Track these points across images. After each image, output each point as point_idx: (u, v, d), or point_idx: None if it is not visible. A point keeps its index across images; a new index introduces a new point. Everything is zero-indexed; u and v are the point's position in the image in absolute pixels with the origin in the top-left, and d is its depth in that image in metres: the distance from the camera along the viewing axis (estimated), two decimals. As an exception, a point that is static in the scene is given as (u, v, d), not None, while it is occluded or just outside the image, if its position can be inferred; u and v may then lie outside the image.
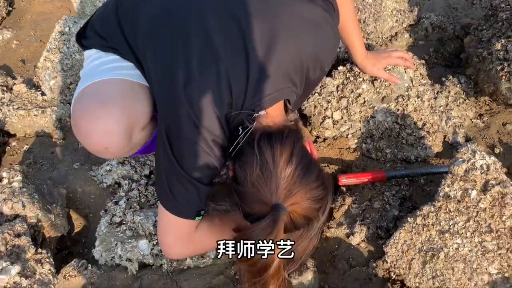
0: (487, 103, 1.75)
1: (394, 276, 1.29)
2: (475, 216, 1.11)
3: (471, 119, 1.70)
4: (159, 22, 1.10)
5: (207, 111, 1.02)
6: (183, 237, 1.16)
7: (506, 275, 1.09)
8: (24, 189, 1.37)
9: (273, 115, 1.11)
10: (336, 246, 1.40)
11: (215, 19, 1.05)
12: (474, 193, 1.10)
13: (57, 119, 1.82)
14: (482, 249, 1.11)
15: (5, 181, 1.39)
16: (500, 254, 1.10)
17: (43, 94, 1.90)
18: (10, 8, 2.60)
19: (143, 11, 1.13)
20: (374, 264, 1.32)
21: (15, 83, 2.00)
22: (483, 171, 1.11)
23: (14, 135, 1.85)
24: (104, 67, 1.18)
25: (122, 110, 1.07)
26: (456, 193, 1.13)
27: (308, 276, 1.25)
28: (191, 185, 1.07)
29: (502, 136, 1.64)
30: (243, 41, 1.03)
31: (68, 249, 1.55)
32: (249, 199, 0.98)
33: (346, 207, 1.46)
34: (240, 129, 1.03)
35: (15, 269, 1.18)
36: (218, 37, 1.03)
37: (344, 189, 1.53)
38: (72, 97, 1.83)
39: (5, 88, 1.97)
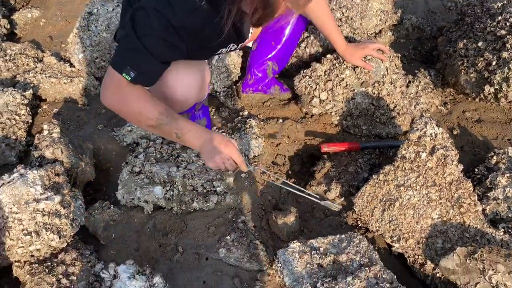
0: (451, 93, 2.06)
1: (360, 224, 1.60)
2: (424, 173, 1.42)
3: (436, 106, 2.01)
4: None
5: None
6: (112, 87, 1.31)
7: (444, 219, 1.40)
8: (62, 139, 1.66)
9: None
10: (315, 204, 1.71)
11: None
12: (424, 155, 1.41)
13: (83, 88, 2.11)
14: (428, 199, 1.41)
15: (45, 132, 1.68)
16: (441, 203, 1.41)
17: (71, 65, 2.19)
18: (37, -11, 2.87)
19: None
20: (345, 214, 1.63)
21: (44, 56, 2.29)
22: (432, 138, 1.41)
23: (45, 100, 2.13)
24: None
25: (198, 70, 1.54)
26: (411, 155, 1.43)
27: (291, 218, 1.56)
28: (139, 47, 1.23)
29: (461, 121, 1.95)
30: None
31: (91, 196, 1.85)
32: None
33: (326, 170, 1.77)
34: None
35: (57, 198, 1.47)
36: None
37: (325, 156, 1.83)
38: (97, 70, 2.14)
39: (36, 59, 2.26)
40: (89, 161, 1.75)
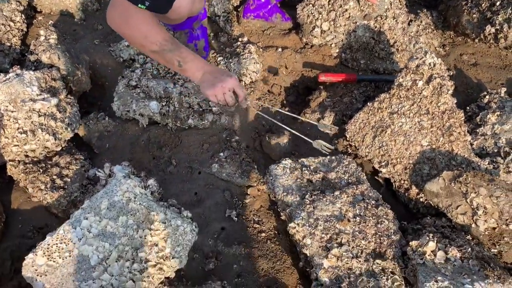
0: (451, 36, 2.06)
1: (350, 151, 1.64)
2: (418, 102, 1.45)
3: (435, 47, 2.01)
4: None
5: None
6: (120, 9, 1.26)
7: (433, 147, 1.45)
8: (59, 46, 1.63)
9: None
10: (309, 128, 1.74)
11: None
12: (420, 83, 1.44)
13: (80, 2, 2.06)
14: (419, 127, 1.45)
15: (42, 38, 1.65)
16: (432, 131, 1.45)
17: (69, -22, 2.11)
18: None
19: None
20: (336, 141, 1.67)
21: (39, -34, 2.20)
22: (430, 67, 1.43)
23: (40, 12, 2.07)
24: None
25: None
26: (407, 83, 1.46)
27: (284, 139, 1.59)
28: None
29: (457, 63, 1.97)
30: None
31: (85, 109, 1.84)
32: None
33: (321, 99, 1.79)
34: None
35: (54, 101, 1.47)
36: None
37: (321, 87, 1.85)
38: (95, -16, 2.06)
39: (31, -31, 2.17)
40: (85, 71, 1.73)
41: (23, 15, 1.90)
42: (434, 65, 1.43)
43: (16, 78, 1.43)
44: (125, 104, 1.65)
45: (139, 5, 1.23)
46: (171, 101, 1.65)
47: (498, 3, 1.72)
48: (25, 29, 1.92)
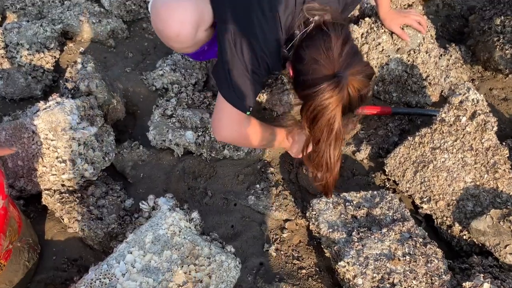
0: (479, 71, 2.07)
1: (388, 185, 1.62)
2: (462, 137, 1.44)
3: (465, 81, 2.02)
4: None
5: (274, 17, 1.27)
6: (234, 123, 1.39)
7: (477, 183, 1.43)
8: (96, 74, 1.63)
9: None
10: (343, 161, 1.72)
11: None
12: (464, 119, 1.43)
13: (111, 30, 2.07)
14: (463, 163, 1.44)
15: (79, 65, 1.65)
16: (475, 167, 1.43)
17: (100, 6, 2.13)
18: None
19: None
20: (373, 175, 1.65)
21: (70, -6, 2.22)
22: (473, 103, 1.43)
23: (71, 38, 2.08)
24: None
25: (195, 7, 1.32)
26: (450, 119, 1.45)
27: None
28: (248, 81, 1.31)
29: (488, 98, 1.97)
30: None
31: (115, 137, 1.82)
32: (311, 72, 1.18)
33: (356, 131, 1.78)
34: (297, 32, 1.28)
35: (94, 129, 1.45)
36: None
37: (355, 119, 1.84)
38: (126, 13, 2.10)
39: (63, -3, 2.20)
40: (120, 100, 1.72)
41: (56, 42, 1.90)
42: (478, 101, 1.43)
43: (57, 106, 1.42)
44: (161, 134, 1.64)
45: (247, 113, 1.36)
46: (207, 131, 1.64)
47: (532, 40, 1.74)
48: (57, 56, 1.92)
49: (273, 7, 1.27)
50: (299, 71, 1.26)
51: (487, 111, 1.43)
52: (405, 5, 2.23)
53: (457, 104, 1.44)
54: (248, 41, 1.27)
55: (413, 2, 2.29)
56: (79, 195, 1.46)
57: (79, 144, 1.42)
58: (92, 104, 1.55)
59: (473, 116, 1.42)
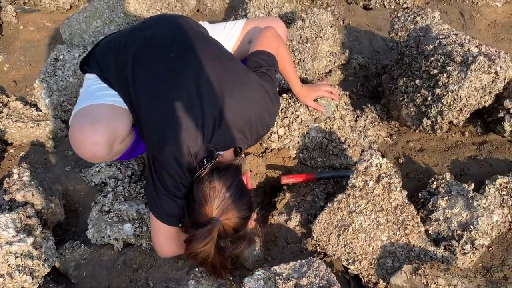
0: (396, 126, 2.27)
1: (319, 249, 1.73)
2: (372, 200, 1.58)
3: (383, 138, 2.21)
4: (144, 68, 1.54)
5: (186, 151, 1.46)
6: (172, 239, 1.57)
7: (392, 240, 1.56)
8: (32, 182, 1.71)
9: (225, 155, 1.62)
10: (278, 230, 1.83)
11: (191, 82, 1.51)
12: (371, 183, 1.58)
13: (50, 131, 2.18)
14: (377, 223, 1.57)
15: (15, 176, 1.73)
16: (388, 226, 1.57)
17: (37, 109, 2.25)
18: (0, 35, 2.93)
19: (133, 53, 1.57)
20: (305, 241, 1.76)
21: (9, 100, 2.34)
22: (377, 167, 1.58)
23: (11, 144, 2.17)
24: (97, 93, 1.60)
25: (106, 128, 1.47)
26: (360, 184, 1.59)
27: (255, 247, 1.67)
28: (173, 201, 1.49)
29: (405, 151, 2.15)
30: (218, 111, 1.50)
31: (60, 236, 1.89)
32: (196, 211, 1.42)
33: (286, 200, 1.90)
34: (205, 161, 1.47)
35: (30, 240, 1.52)
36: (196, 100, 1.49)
37: (285, 187, 1.97)
38: (63, 113, 2.21)
39: (1, 104, 2.31)
40: (59, 202, 1.80)
41: (-5, 152, 1.99)
42: (381, 165, 1.59)
43: (-8, 223, 1.49)
44: (99, 231, 1.71)
45: (180, 225, 1.54)
46: (144, 222, 1.73)
47: (429, 98, 1.94)
48: (-3, 164, 2.00)
49: (184, 141, 1.46)
50: (189, 202, 1.47)
51: (391, 173, 1.59)
52: (323, 73, 2.45)
53: (363, 170, 1.59)
54: (165, 169, 1.47)
55: (331, 69, 2.52)
56: (21, 306, 1.50)
57: (16, 257, 1.48)
58: (29, 213, 1.62)
59: (378, 179, 1.58)
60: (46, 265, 1.56)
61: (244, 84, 1.58)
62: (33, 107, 2.28)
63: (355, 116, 2.14)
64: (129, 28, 1.77)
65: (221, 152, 1.57)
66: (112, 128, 1.48)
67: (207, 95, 1.50)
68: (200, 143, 1.49)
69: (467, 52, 1.91)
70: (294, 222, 1.81)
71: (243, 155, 1.90)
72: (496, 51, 1.92)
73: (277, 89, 1.73)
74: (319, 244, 1.72)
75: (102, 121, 1.48)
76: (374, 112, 2.26)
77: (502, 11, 3.11)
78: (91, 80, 1.68)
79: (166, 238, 1.57)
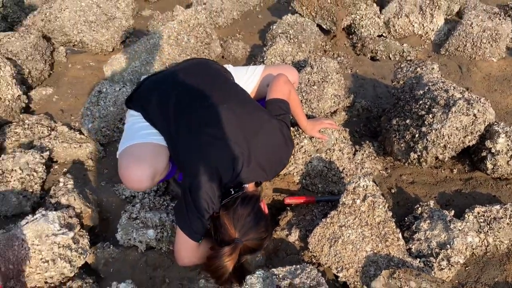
0: (391, 161, 2.55)
1: (314, 260, 1.98)
2: (359, 216, 1.85)
3: (379, 170, 2.48)
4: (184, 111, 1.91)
5: (219, 182, 1.78)
6: (193, 252, 1.84)
7: (375, 251, 1.81)
8: (74, 190, 2.05)
9: (249, 186, 1.93)
10: (279, 243, 2.09)
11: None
12: (358, 201, 1.85)
13: (89, 152, 2.54)
14: (363, 236, 1.83)
15: (61, 184, 2.08)
16: (372, 239, 1.82)
17: (80, 133, 2.63)
18: (51, 72, 3.39)
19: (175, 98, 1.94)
20: (302, 253, 2.02)
21: (56, 126, 2.74)
22: (364, 188, 1.86)
23: (57, 161, 2.54)
24: (141, 132, 1.96)
25: (149, 166, 1.83)
26: (349, 202, 1.87)
27: (258, 255, 1.94)
28: (201, 221, 1.78)
29: (398, 182, 2.42)
30: (247, 151, 1.85)
31: (92, 240, 2.19)
32: (221, 232, 1.73)
33: (288, 218, 2.18)
34: (232, 191, 1.81)
35: (71, 234, 1.84)
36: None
37: (288, 208, 2.25)
38: (102, 137, 2.57)
39: (50, 128, 2.70)
40: (94, 208, 2.13)
41: (44, 166, 2.35)
42: (367, 186, 1.86)
43: (42, 217, 1.82)
44: (127, 234, 2.02)
45: (199, 241, 1.82)
46: (165, 228, 2.03)
47: (416, 136, 2.23)
48: (44, 177, 2.36)
49: (219, 173, 1.80)
50: (215, 223, 1.77)
51: (376, 193, 1.86)
52: (328, 113, 2.77)
53: (352, 190, 1.87)
54: (200, 194, 1.76)
55: (336, 110, 2.84)
56: (59, 289, 1.79)
57: (59, 247, 1.79)
58: (71, 214, 1.95)
59: (364, 198, 1.85)
60: (82, 258, 1.87)
61: (267, 129, 1.93)
62: (77, 132, 2.66)
63: (353, 150, 2.44)
64: (170, 70, 2.16)
65: (246, 185, 1.90)
66: (154, 165, 1.85)
67: (240, 137, 1.84)
68: (230, 176, 1.82)
69: (451, 97, 2.22)
70: (294, 237, 2.07)
71: (262, 186, 2.23)
72: (477, 97, 2.22)
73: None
74: (314, 255, 1.97)
75: (146, 159, 1.85)
76: (372, 148, 2.55)
77: (497, 66, 3.43)
78: (135, 117, 2.04)
79: (187, 251, 1.84)
